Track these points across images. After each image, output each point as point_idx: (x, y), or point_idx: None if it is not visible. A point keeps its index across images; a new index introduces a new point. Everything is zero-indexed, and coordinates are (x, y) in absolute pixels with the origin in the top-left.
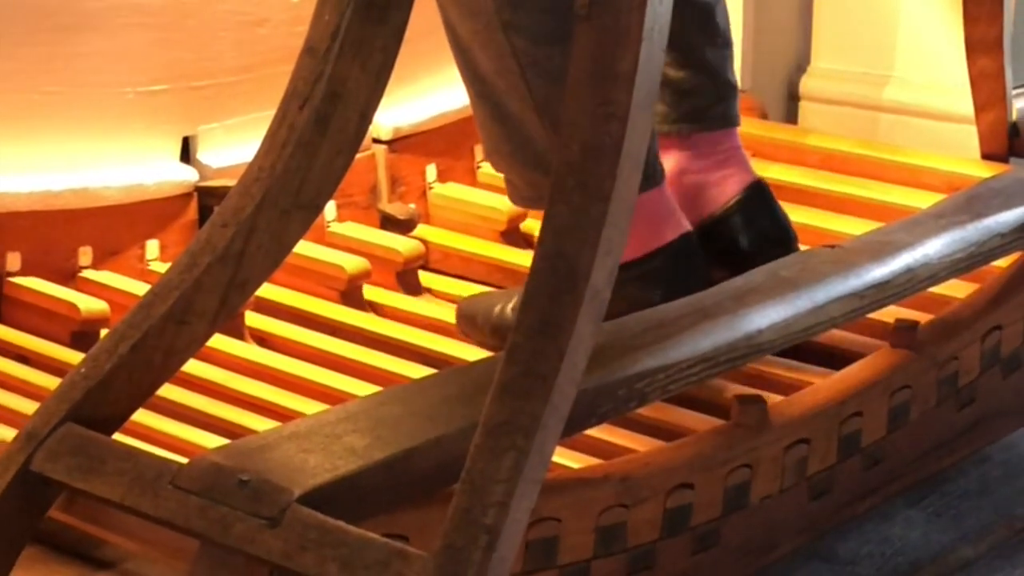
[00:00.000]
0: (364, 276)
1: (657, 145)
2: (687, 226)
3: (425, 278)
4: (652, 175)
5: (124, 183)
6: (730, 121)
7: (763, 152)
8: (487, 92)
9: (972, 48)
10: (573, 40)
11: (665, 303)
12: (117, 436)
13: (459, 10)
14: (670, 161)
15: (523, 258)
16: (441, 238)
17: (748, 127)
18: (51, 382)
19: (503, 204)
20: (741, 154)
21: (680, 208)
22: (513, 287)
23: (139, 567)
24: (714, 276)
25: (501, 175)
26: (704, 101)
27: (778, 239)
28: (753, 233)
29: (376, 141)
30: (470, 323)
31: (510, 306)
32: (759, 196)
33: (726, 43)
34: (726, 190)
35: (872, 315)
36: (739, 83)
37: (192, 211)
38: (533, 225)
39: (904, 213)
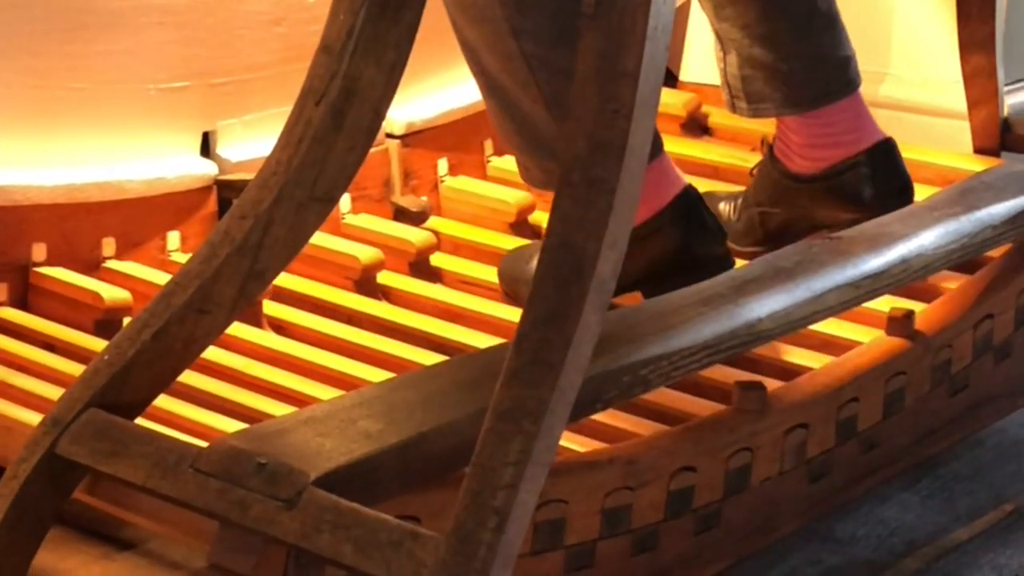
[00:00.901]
0: (378, 266)
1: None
2: (684, 181)
3: (438, 259)
4: (652, 148)
5: (146, 176)
6: (845, 90)
7: None
8: (496, 88)
9: (965, 46)
10: (579, 39)
11: (683, 251)
12: (139, 421)
13: (466, 16)
14: (801, 136)
15: None
16: (452, 229)
17: (750, 123)
18: (76, 369)
19: (512, 196)
20: (866, 115)
21: (810, 162)
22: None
23: (160, 547)
24: (837, 218)
25: (511, 169)
26: (817, 83)
27: (897, 191)
28: (876, 184)
29: (389, 136)
30: (513, 281)
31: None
32: (885, 153)
33: (831, 21)
34: (853, 149)
35: (868, 304)
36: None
37: (212, 204)
38: (541, 217)
39: None
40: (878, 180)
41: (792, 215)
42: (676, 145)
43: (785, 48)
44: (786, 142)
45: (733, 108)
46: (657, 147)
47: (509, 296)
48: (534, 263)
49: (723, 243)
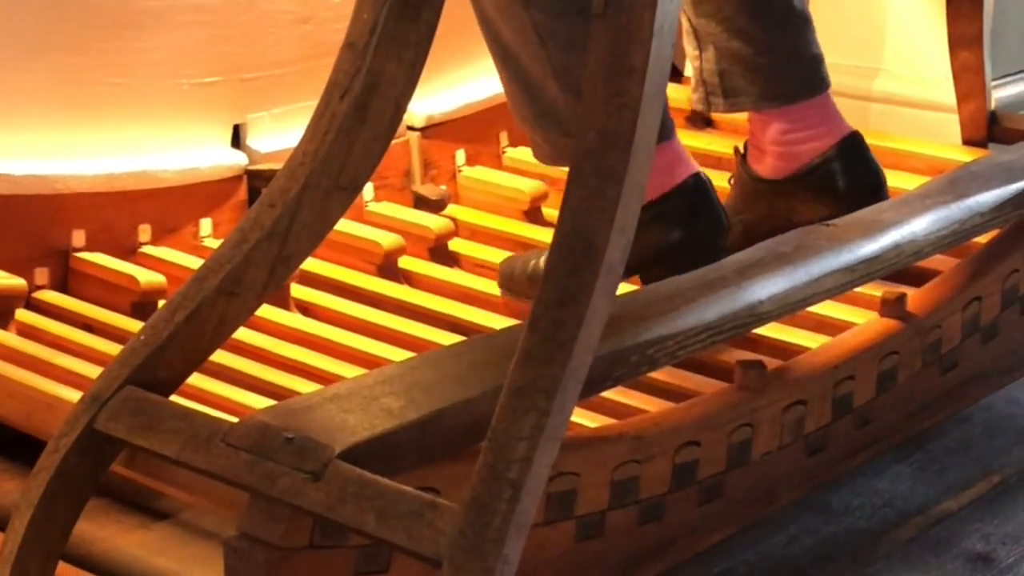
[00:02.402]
0: (399, 251)
1: (667, 102)
2: (696, 167)
3: (456, 244)
4: (664, 131)
5: (180, 167)
6: (820, 87)
7: None
8: (510, 59)
9: (954, 43)
10: (590, 36)
11: (685, 238)
12: (173, 398)
13: None
14: (773, 130)
15: (544, 235)
16: (469, 217)
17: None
18: (113, 349)
19: (527, 186)
20: (835, 112)
21: (782, 161)
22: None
23: (193, 517)
24: (814, 214)
25: (525, 159)
26: (794, 77)
27: (871, 184)
28: (849, 177)
29: (410, 128)
30: (509, 278)
31: (542, 260)
32: (854, 146)
33: (806, 20)
34: (824, 143)
35: (863, 287)
36: None
37: (242, 192)
38: (554, 205)
39: (892, 194)
40: (850, 171)
41: (771, 218)
42: (681, 137)
43: (764, 42)
44: (758, 144)
45: (708, 105)
46: (667, 131)
47: (507, 292)
48: (534, 262)
49: (725, 235)
